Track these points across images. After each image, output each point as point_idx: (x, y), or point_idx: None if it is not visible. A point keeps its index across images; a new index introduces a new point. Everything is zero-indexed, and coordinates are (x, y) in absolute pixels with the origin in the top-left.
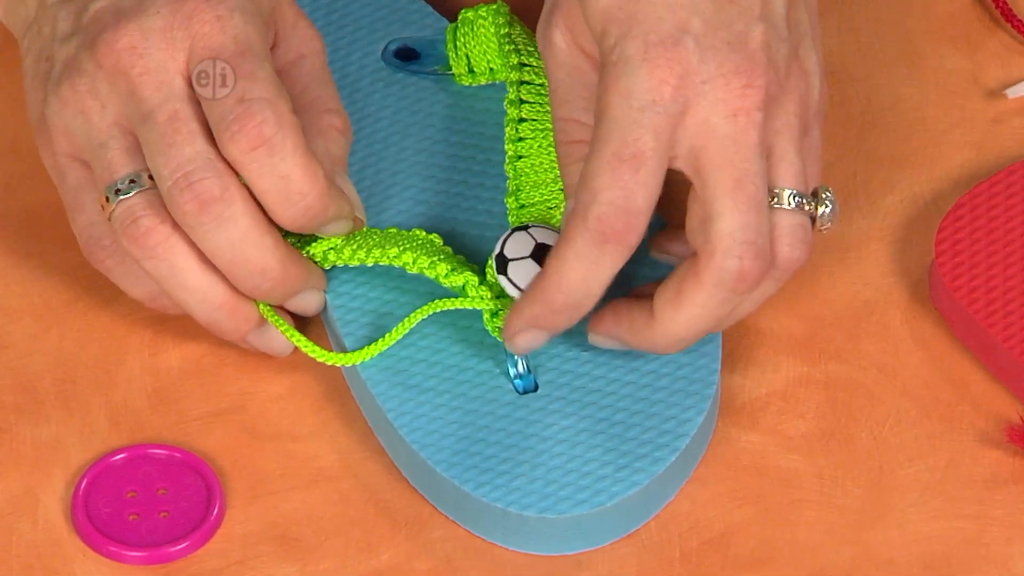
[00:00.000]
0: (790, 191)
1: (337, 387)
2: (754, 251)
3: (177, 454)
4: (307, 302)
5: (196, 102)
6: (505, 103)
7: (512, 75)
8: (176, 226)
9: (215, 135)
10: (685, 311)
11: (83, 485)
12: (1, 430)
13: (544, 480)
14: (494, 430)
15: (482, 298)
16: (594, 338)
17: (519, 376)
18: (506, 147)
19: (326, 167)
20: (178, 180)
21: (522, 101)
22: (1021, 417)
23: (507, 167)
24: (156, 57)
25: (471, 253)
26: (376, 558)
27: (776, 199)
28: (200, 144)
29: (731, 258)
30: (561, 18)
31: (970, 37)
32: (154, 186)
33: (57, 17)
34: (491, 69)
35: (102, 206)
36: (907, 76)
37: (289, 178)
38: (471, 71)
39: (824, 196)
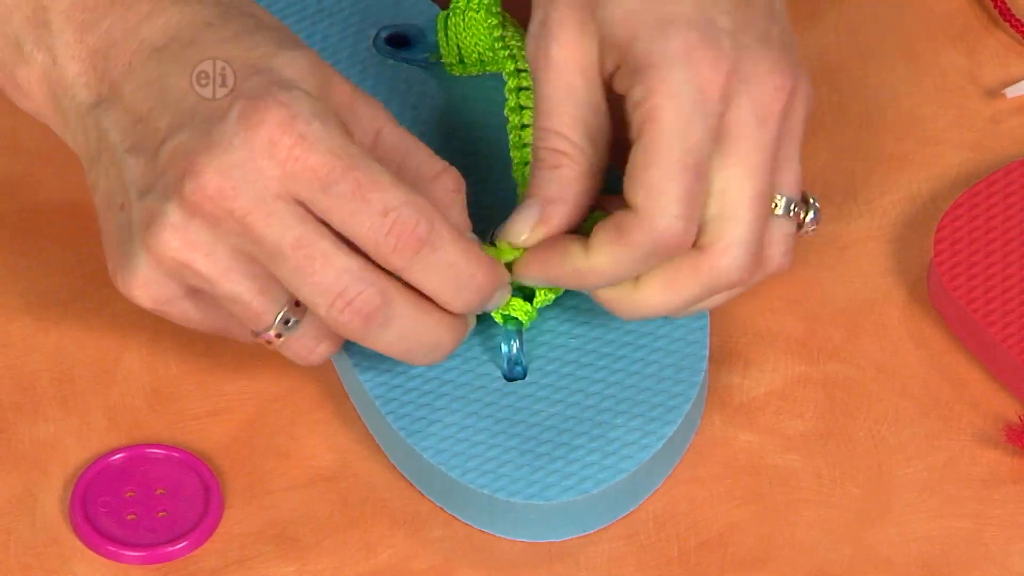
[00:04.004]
0: (788, 198)
1: (335, 387)
2: (756, 261)
3: (175, 454)
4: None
5: (310, 216)
6: (506, 110)
7: (510, 82)
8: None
9: (371, 253)
10: (670, 296)
11: (81, 485)
12: None
13: (531, 467)
14: (482, 416)
15: None
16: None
17: (518, 360)
18: (512, 153)
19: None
20: (334, 303)
21: (522, 107)
22: (1020, 416)
23: (515, 174)
24: (251, 193)
25: None
26: (374, 557)
27: (776, 206)
28: (339, 261)
29: (736, 266)
30: (563, 33)
31: (968, 36)
32: (304, 312)
33: (125, 164)
34: (482, 61)
35: (254, 333)
36: (905, 75)
37: (456, 265)
38: (461, 61)
39: (811, 202)
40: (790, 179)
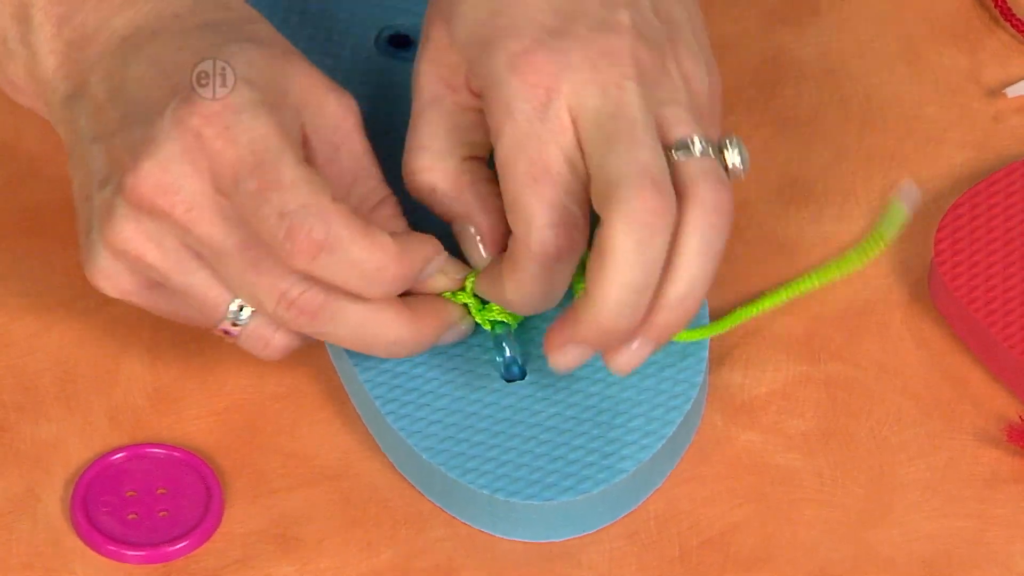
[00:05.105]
0: (690, 139)
1: (337, 386)
2: (659, 187)
3: (176, 453)
4: (454, 336)
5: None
6: None
7: None
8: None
9: (277, 254)
10: (622, 272)
11: (83, 484)
12: (1, 428)
13: (531, 467)
14: (482, 417)
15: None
16: (557, 362)
17: (514, 362)
18: None
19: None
20: (279, 302)
21: None
22: (1021, 416)
23: None
24: (189, 188)
25: None
26: (376, 557)
27: (679, 150)
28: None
29: (639, 193)
30: (428, 50)
31: (970, 36)
32: None
33: (90, 154)
34: None
35: (212, 324)
36: (906, 75)
37: (360, 261)
38: None
39: (732, 144)
40: (684, 128)
